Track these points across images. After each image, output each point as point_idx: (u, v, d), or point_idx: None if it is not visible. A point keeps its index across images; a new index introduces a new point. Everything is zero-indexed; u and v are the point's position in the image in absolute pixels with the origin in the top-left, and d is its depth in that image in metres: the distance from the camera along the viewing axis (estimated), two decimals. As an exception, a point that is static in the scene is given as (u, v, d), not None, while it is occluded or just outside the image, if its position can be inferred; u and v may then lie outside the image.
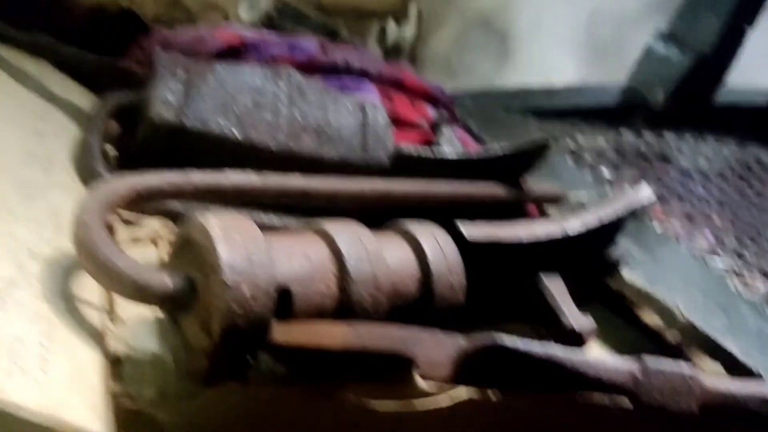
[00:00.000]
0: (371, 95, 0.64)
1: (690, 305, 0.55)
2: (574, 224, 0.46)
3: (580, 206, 0.63)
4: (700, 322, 0.53)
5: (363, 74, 0.66)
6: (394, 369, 0.32)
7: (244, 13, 0.75)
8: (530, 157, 0.59)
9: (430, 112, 0.69)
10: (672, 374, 0.29)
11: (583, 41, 1.39)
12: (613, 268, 0.52)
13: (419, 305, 0.38)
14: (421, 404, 0.38)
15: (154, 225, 0.45)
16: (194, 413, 0.36)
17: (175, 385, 0.35)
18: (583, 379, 0.29)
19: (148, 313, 0.38)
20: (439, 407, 0.38)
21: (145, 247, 0.44)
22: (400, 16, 1.09)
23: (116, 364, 0.35)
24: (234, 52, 0.61)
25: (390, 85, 0.69)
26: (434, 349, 0.31)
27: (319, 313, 0.36)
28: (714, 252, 0.66)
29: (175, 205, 0.46)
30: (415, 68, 0.96)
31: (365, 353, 0.32)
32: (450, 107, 0.73)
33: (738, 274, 0.64)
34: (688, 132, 0.96)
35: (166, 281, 0.34)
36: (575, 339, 0.43)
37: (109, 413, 0.31)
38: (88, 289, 0.37)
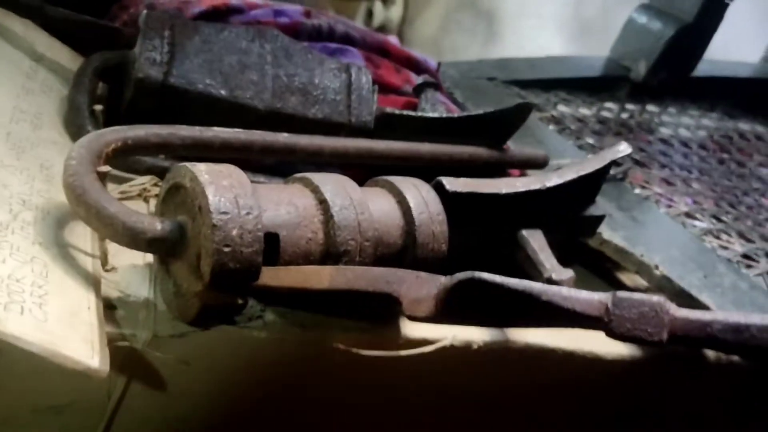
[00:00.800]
0: (356, 61, 0.66)
1: (667, 263, 0.57)
2: (552, 178, 0.48)
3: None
4: (676, 278, 0.55)
5: (347, 40, 0.68)
6: (380, 308, 0.34)
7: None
8: (513, 119, 0.60)
9: (415, 78, 0.70)
10: (642, 304, 0.31)
11: (569, 20, 1.41)
12: (594, 226, 0.54)
13: (403, 253, 0.40)
14: (406, 351, 0.40)
15: (143, 181, 0.47)
16: (186, 354, 0.37)
17: (167, 327, 0.37)
18: (557, 310, 0.31)
19: (140, 260, 0.40)
20: (423, 353, 0.40)
21: (135, 203, 0.46)
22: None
23: (110, 308, 0.37)
24: (218, 14, 0.62)
25: (375, 51, 0.70)
26: (417, 287, 0.33)
27: (306, 259, 0.37)
28: (693, 216, 0.68)
29: (162, 162, 0.48)
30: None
31: (351, 293, 0.34)
32: (435, 75, 0.74)
33: (716, 237, 0.66)
34: (670, 103, 0.98)
35: (157, 225, 0.35)
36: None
37: (105, 352, 0.33)
38: (82, 237, 0.39)
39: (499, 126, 0.61)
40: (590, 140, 0.80)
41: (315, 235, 0.38)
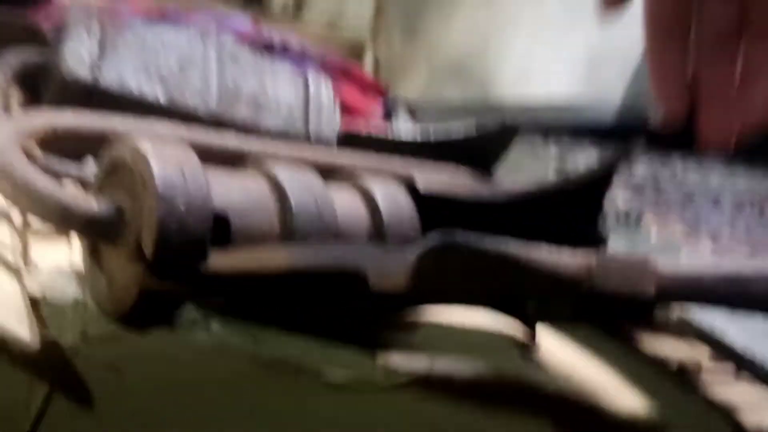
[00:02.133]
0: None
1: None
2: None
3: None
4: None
5: (304, 57, 0.77)
6: (346, 287, 0.41)
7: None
8: (496, 144, 0.69)
9: (382, 104, 0.80)
10: (626, 260, 0.38)
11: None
12: (598, 243, 0.62)
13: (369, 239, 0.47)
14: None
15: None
16: (117, 359, 0.43)
17: (97, 328, 0.43)
18: (538, 271, 0.38)
19: (64, 257, 0.46)
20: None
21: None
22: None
23: (35, 306, 0.43)
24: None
25: (335, 72, 0.80)
26: (385, 260, 0.40)
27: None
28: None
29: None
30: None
31: (311, 272, 0.41)
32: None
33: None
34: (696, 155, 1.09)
35: (92, 204, 0.42)
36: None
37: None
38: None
39: (482, 151, 0.69)
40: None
41: (270, 225, 0.45)
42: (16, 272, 0.43)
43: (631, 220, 0.79)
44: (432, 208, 0.52)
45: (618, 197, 0.83)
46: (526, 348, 0.47)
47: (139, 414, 0.45)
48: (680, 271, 0.38)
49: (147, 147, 0.42)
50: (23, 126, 0.46)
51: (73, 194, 0.43)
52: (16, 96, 0.59)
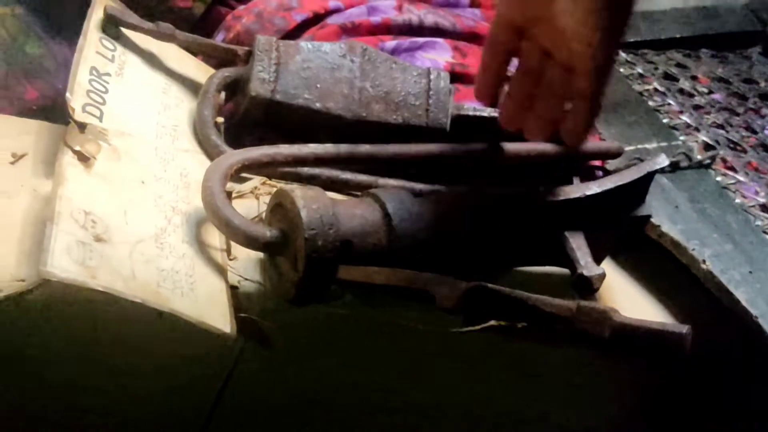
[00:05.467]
0: (443, 53, 0.93)
1: (716, 257, 0.82)
2: (592, 187, 0.75)
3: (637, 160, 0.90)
4: (718, 272, 0.80)
5: (437, 31, 0.95)
6: (419, 300, 0.63)
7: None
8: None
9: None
10: (593, 311, 0.58)
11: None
12: (640, 225, 0.80)
13: (450, 252, 0.69)
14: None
15: (254, 183, 0.77)
16: (287, 323, 0.68)
17: (273, 304, 0.68)
18: (539, 311, 0.59)
19: (253, 253, 0.71)
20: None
21: (249, 200, 0.77)
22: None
23: (234, 289, 0.68)
24: (319, 18, 0.91)
25: (465, 38, 0.97)
26: (446, 288, 0.62)
27: (373, 258, 0.67)
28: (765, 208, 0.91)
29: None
30: None
31: (399, 288, 0.63)
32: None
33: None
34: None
35: (267, 233, 0.66)
36: (587, 283, 0.73)
37: (233, 321, 0.64)
38: (212, 234, 0.70)
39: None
40: (687, 119, 1.03)
41: (379, 241, 0.67)
42: (224, 270, 0.68)
43: (704, 162, 0.93)
44: (510, 207, 0.72)
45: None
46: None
47: (300, 356, 0.71)
48: (626, 323, 0.57)
49: (300, 202, 0.65)
50: (224, 167, 0.69)
51: (256, 227, 0.66)
52: (221, 99, 0.82)
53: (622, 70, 1.10)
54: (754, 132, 1.04)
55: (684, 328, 0.56)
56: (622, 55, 1.13)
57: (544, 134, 0.72)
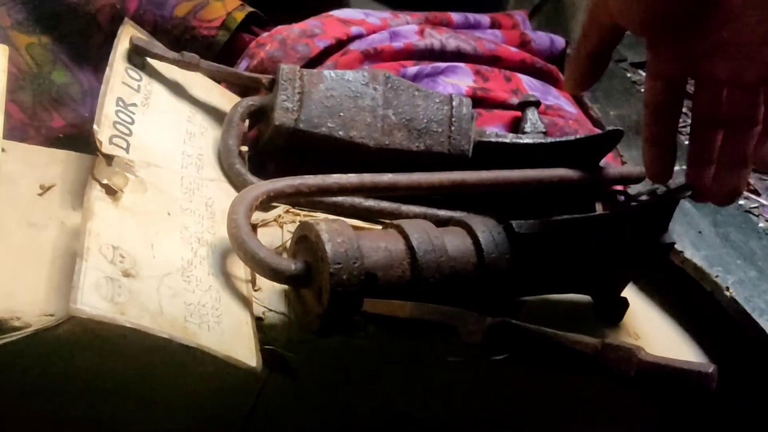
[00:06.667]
0: (464, 77, 0.93)
1: (740, 284, 0.81)
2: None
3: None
4: (743, 300, 0.80)
5: (458, 56, 0.95)
6: (443, 334, 0.63)
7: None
8: (604, 144, 0.86)
9: (526, 83, 0.96)
10: (619, 349, 0.57)
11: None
12: (664, 253, 0.80)
13: (473, 283, 0.68)
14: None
15: (278, 211, 0.78)
16: (311, 354, 0.68)
17: (298, 335, 0.68)
18: (563, 348, 0.58)
19: (279, 287, 0.71)
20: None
21: (272, 228, 0.77)
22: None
23: (259, 321, 0.68)
24: (341, 44, 0.91)
25: (486, 62, 0.97)
26: (470, 323, 0.61)
27: (397, 291, 0.67)
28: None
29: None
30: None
31: (424, 322, 0.63)
32: (553, 71, 1.00)
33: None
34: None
35: (292, 266, 0.66)
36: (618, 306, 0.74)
37: (259, 354, 0.64)
38: (237, 265, 0.70)
39: (590, 149, 0.86)
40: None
41: (403, 274, 0.67)
42: (249, 303, 0.68)
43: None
44: (527, 242, 0.72)
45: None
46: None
47: (324, 386, 0.71)
48: (652, 361, 0.57)
49: (325, 236, 0.65)
50: (249, 199, 0.69)
51: (280, 259, 0.66)
52: (245, 128, 0.83)
53: (642, 89, 1.10)
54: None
55: (710, 368, 0.56)
56: (642, 75, 1.12)
57: (741, 173, 0.67)
